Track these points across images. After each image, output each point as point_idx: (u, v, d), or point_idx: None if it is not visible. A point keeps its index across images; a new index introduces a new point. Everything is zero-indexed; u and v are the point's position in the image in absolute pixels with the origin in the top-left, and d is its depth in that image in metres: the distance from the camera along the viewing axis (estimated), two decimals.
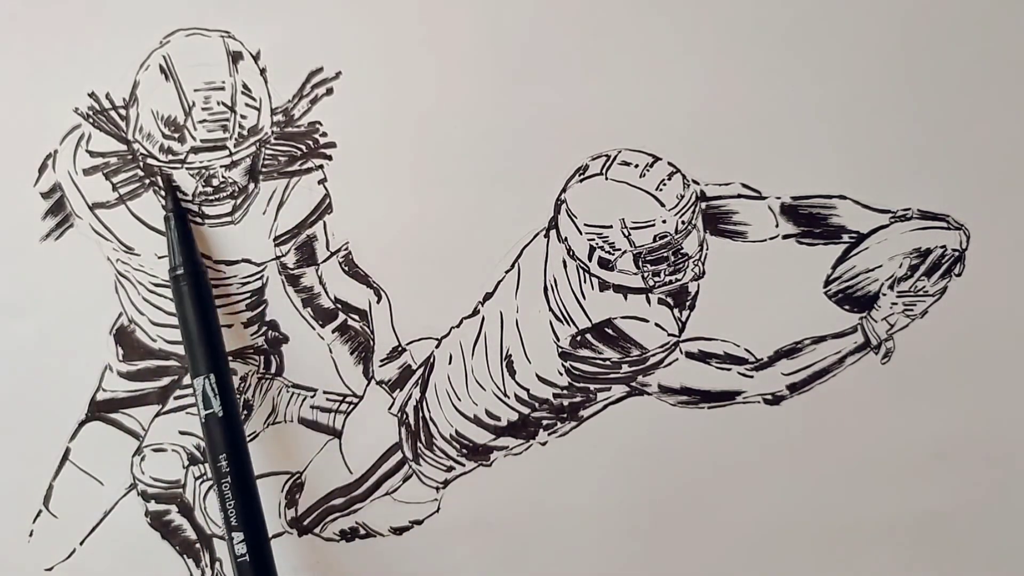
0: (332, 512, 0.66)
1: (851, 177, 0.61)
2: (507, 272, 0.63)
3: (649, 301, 0.62)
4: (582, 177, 0.61)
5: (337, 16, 0.60)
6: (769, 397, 0.63)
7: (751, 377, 0.63)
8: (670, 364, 0.63)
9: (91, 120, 0.61)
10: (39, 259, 0.62)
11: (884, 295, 0.62)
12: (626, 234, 0.60)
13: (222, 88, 0.59)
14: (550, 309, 0.62)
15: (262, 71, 0.60)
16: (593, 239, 0.60)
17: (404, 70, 0.61)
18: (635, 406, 0.64)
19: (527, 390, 0.64)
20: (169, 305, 0.64)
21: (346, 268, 0.63)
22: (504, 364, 0.64)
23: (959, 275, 0.62)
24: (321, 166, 0.62)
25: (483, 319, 0.63)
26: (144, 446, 0.65)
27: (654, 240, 0.60)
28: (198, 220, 0.62)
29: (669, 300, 0.62)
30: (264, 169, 0.62)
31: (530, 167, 0.61)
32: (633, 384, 0.64)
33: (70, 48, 0.60)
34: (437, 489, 0.66)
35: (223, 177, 0.61)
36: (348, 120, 0.61)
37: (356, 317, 0.64)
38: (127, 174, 0.61)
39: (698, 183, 0.61)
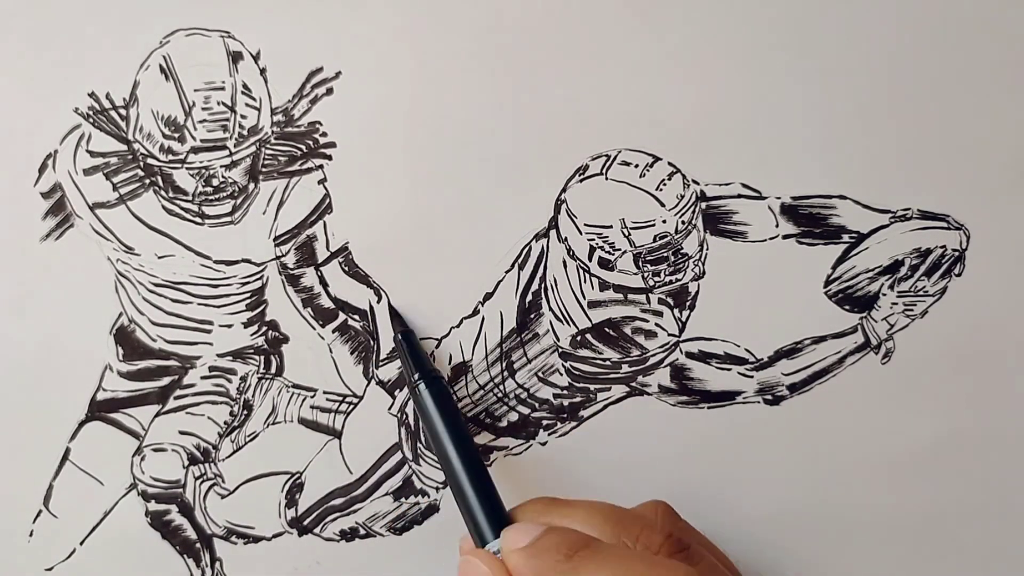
0: (332, 512, 0.66)
1: (851, 177, 0.61)
2: (507, 272, 0.63)
3: (649, 300, 0.62)
4: (582, 177, 0.61)
5: (337, 16, 0.60)
6: (769, 397, 0.63)
7: (751, 377, 0.63)
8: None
9: (91, 120, 0.61)
10: (39, 259, 0.62)
11: (884, 295, 0.62)
12: (626, 234, 0.60)
13: (222, 88, 0.59)
14: (550, 309, 0.62)
15: (262, 71, 0.60)
16: (593, 239, 0.60)
17: (404, 70, 0.61)
18: (635, 406, 0.64)
19: (527, 390, 0.64)
20: (169, 305, 0.64)
21: (346, 268, 0.63)
22: (504, 364, 0.64)
23: (959, 275, 0.62)
24: (321, 166, 0.62)
25: (483, 319, 0.63)
26: (144, 446, 0.65)
27: (654, 240, 0.60)
28: (198, 220, 0.62)
29: (669, 300, 0.62)
30: (264, 169, 0.62)
31: (530, 167, 0.62)
32: (633, 384, 0.64)
33: (70, 48, 0.60)
34: (437, 489, 0.66)
35: (223, 177, 0.61)
36: (348, 120, 0.61)
37: (356, 317, 0.64)
38: (127, 174, 0.61)
39: (698, 183, 0.61)
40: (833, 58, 0.60)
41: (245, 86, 0.60)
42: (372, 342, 0.65)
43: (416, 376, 0.59)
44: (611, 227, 0.60)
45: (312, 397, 0.65)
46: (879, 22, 0.60)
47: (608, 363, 0.63)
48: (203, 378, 0.65)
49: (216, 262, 0.63)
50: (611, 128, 0.61)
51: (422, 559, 0.65)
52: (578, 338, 0.62)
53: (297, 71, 0.60)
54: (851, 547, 0.65)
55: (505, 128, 0.61)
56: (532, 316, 0.63)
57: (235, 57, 0.60)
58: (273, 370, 0.66)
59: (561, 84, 0.61)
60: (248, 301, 0.64)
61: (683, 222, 0.60)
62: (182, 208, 0.62)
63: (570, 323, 0.62)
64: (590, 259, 0.61)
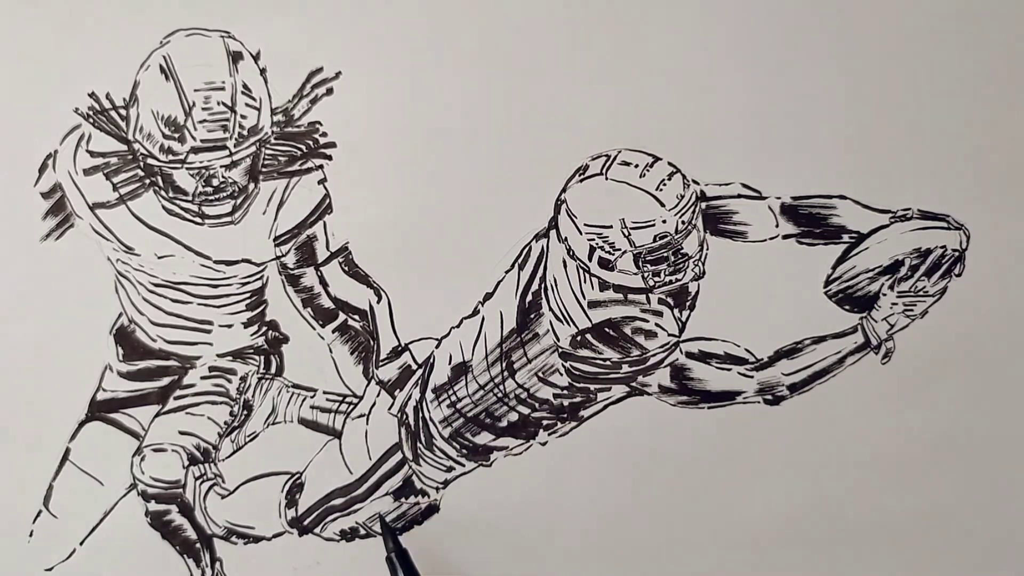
0: (332, 512, 0.66)
1: (851, 177, 0.61)
2: (507, 272, 0.63)
3: (649, 300, 0.62)
4: (582, 177, 0.61)
5: (337, 16, 0.60)
6: (769, 397, 0.63)
7: (751, 377, 0.63)
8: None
9: (91, 120, 0.61)
10: (39, 259, 0.62)
11: (884, 295, 0.62)
12: (626, 234, 0.60)
13: (222, 88, 0.59)
14: (550, 309, 0.62)
15: (262, 71, 0.60)
16: (593, 239, 0.60)
17: (404, 70, 0.61)
18: (635, 406, 0.64)
19: (527, 390, 0.64)
20: (169, 305, 0.64)
21: (346, 268, 0.63)
22: (504, 364, 0.64)
23: (959, 275, 0.62)
24: (321, 166, 0.62)
25: (483, 319, 0.63)
26: (144, 446, 0.65)
27: (654, 240, 0.60)
28: (198, 220, 0.62)
29: (669, 300, 0.62)
30: (264, 169, 0.62)
31: (530, 167, 0.62)
32: (633, 384, 0.64)
33: (70, 48, 0.60)
34: (437, 489, 0.66)
35: (223, 177, 0.61)
36: (348, 120, 0.61)
37: (356, 317, 0.64)
38: (127, 174, 0.61)
39: (698, 183, 0.61)
40: (833, 59, 0.60)
41: (245, 86, 0.60)
42: (372, 342, 0.65)
43: None
44: (611, 227, 0.60)
45: (312, 397, 0.65)
46: (879, 23, 0.60)
47: (608, 363, 0.63)
48: (203, 378, 0.65)
49: (216, 262, 0.63)
50: (611, 128, 0.61)
51: (422, 559, 0.65)
52: (578, 338, 0.62)
53: (297, 71, 0.60)
54: (851, 546, 0.65)
55: (505, 128, 0.61)
56: (532, 316, 0.63)
57: (235, 57, 0.60)
58: (273, 370, 0.66)
59: (561, 84, 0.61)
60: (248, 301, 0.64)
61: (683, 222, 0.60)
62: (182, 208, 0.62)
63: (570, 323, 0.62)
64: (590, 259, 0.61)
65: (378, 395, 0.65)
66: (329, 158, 0.62)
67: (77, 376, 0.64)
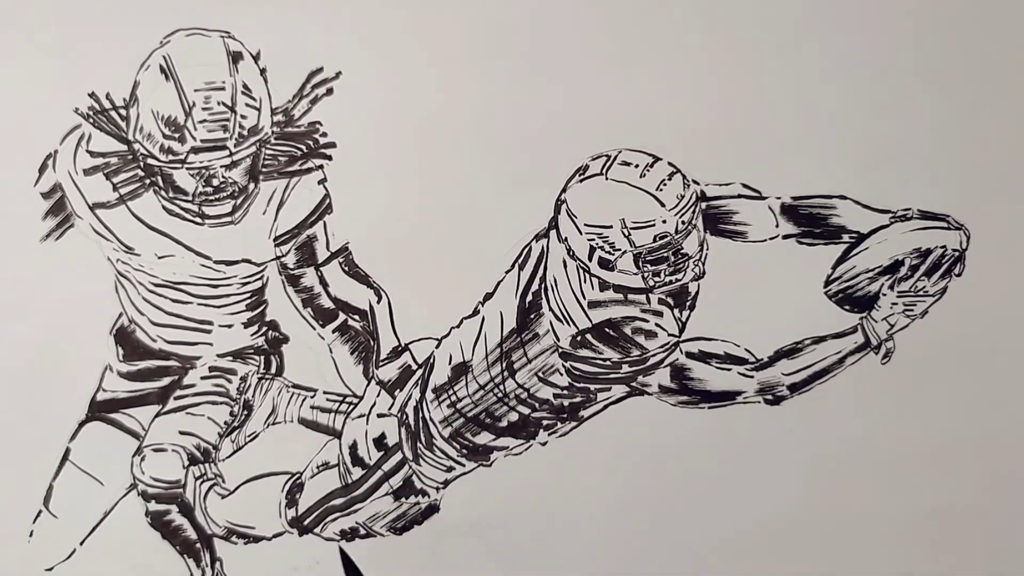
0: (332, 512, 0.66)
1: (851, 177, 0.61)
2: (507, 272, 0.63)
3: (649, 300, 0.62)
4: (582, 177, 0.61)
5: (337, 16, 0.60)
6: (769, 397, 0.63)
7: (751, 377, 0.63)
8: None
9: (91, 120, 0.61)
10: (39, 259, 0.62)
11: (884, 295, 0.62)
12: (626, 234, 0.60)
13: (222, 88, 0.59)
14: (550, 309, 0.62)
15: (262, 71, 0.60)
16: (593, 239, 0.60)
17: (404, 70, 0.61)
18: (635, 406, 0.64)
19: (527, 390, 0.64)
20: (169, 305, 0.64)
21: (346, 268, 0.63)
22: (504, 364, 0.63)
23: (959, 275, 0.62)
24: (321, 166, 0.62)
25: (483, 319, 0.63)
26: (144, 446, 0.65)
27: (654, 240, 0.60)
28: (198, 220, 0.62)
29: (669, 300, 0.62)
30: (264, 169, 0.62)
31: (530, 167, 0.62)
32: (633, 384, 0.64)
33: (70, 48, 0.60)
34: (437, 489, 0.66)
35: (223, 177, 0.61)
36: (348, 120, 0.61)
37: (356, 317, 0.64)
38: (128, 174, 0.61)
39: (698, 183, 0.61)
40: (833, 59, 0.60)
41: (245, 86, 0.60)
42: (372, 342, 0.65)
43: None
44: (611, 227, 0.60)
45: (312, 397, 0.65)
46: (879, 23, 0.60)
47: (608, 363, 0.63)
48: (203, 378, 0.65)
49: (216, 262, 0.63)
50: (611, 128, 0.61)
51: (422, 559, 0.65)
52: (578, 338, 0.62)
53: (297, 71, 0.60)
54: (851, 546, 0.65)
55: (505, 128, 0.61)
56: (532, 316, 0.63)
57: (235, 57, 0.60)
58: (273, 370, 0.66)
59: (562, 84, 0.61)
60: (248, 301, 0.64)
61: (683, 222, 0.60)
62: (182, 208, 0.62)
63: (570, 323, 0.62)
64: (590, 259, 0.61)
65: (378, 395, 0.65)
66: (329, 158, 0.62)
67: (77, 376, 0.64)
